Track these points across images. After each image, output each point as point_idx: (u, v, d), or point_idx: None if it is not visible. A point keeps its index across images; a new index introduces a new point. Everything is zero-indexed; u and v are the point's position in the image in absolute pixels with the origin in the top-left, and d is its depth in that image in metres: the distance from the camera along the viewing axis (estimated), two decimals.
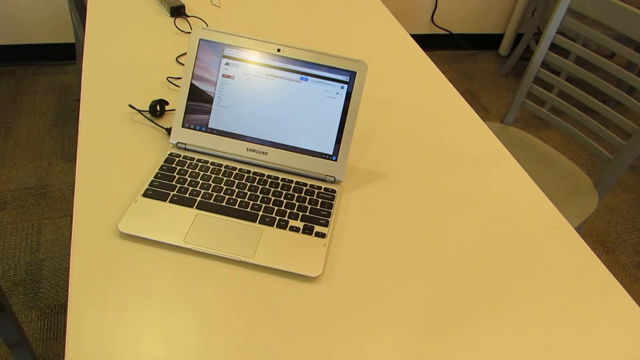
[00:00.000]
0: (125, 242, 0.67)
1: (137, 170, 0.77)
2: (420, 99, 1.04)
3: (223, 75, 0.78)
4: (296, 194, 0.76)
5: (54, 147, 1.91)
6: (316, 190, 0.77)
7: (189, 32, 1.13)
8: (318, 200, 0.75)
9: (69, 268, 1.51)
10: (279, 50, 0.77)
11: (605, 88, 1.28)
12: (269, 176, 0.78)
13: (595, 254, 1.56)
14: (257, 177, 0.77)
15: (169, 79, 0.98)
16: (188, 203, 0.71)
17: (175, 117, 0.79)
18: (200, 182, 0.75)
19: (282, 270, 0.66)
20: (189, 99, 0.79)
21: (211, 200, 0.72)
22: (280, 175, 0.78)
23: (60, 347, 1.33)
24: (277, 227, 0.71)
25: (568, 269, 0.73)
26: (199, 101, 0.79)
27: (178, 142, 0.80)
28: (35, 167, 1.82)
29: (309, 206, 0.74)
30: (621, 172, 1.28)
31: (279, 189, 0.76)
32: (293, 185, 0.77)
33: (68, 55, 2.34)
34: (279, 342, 0.59)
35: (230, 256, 0.66)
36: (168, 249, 0.67)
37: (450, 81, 2.60)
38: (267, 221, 0.71)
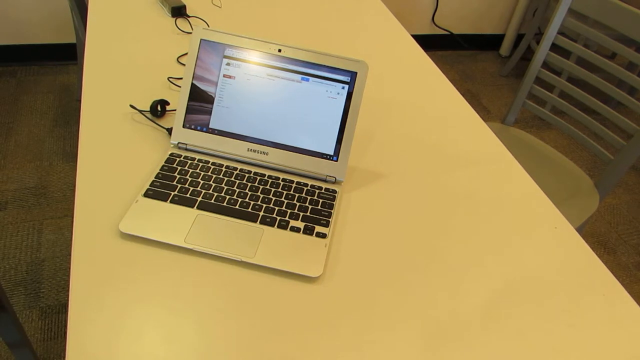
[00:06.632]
0: (126, 242, 0.67)
1: (138, 170, 0.77)
2: (421, 100, 1.04)
3: (224, 76, 0.78)
4: (297, 194, 0.76)
5: (55, 147, 1.91)
6: (317, 191, 0.77)
7: (190, 33, 1.13)
8: (319, 201, 0.75)
9: (69, 268, 1.51)
10: (279, 50, 0.77)
11: (606, 88, 1.28)
12: (269, 176, 0.78)
13: (596, 254, 1.56)
14: (258, 178, 0.77)
15: (170, 79, 0.98)
16: (189, 203, 0.72)
17: (176, 117, 0.79)
18: (201, 182, 0.75)
19: (283, 271, 0.66)
20: (189, 99, 0.79)
21: (212, 201, 0.72)
22: (281, 176, 0.78)
23: (61, 347, 1.33)
24: (278, 227, 0.71)
25: (569, 270, 0.73)
26: (199, 101, 0.79)
27: (179, 142, 0.80)
28: (36, 167, 1.82)
29: (310, 206, 0.74)
30: (622, 173, 1.28)
31: (279, 189, 0.76)
32: (294, 185, 0.77)
33: (69, 55, 2.35)
34: (280, 343, 0.59)
35: (231, 256, 0.66)
36: (169, 249, 0.67)
37: (451, 81, 2.60)
38: (267, 221, 0.71)
